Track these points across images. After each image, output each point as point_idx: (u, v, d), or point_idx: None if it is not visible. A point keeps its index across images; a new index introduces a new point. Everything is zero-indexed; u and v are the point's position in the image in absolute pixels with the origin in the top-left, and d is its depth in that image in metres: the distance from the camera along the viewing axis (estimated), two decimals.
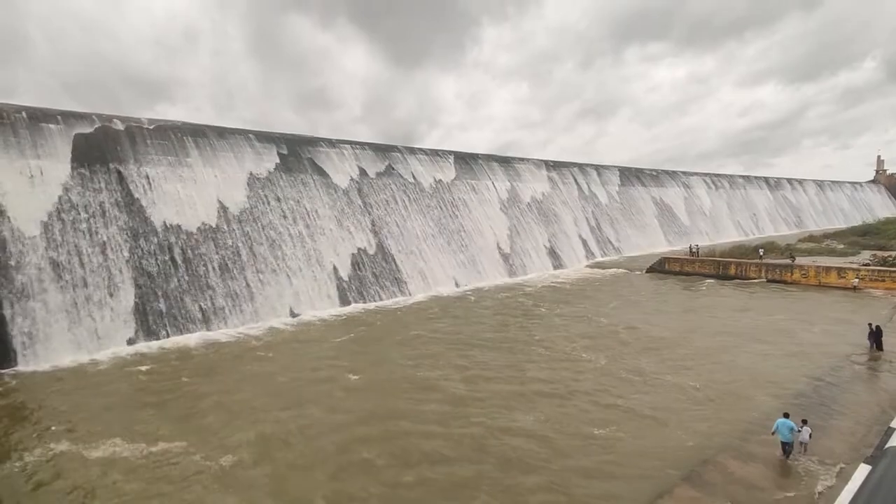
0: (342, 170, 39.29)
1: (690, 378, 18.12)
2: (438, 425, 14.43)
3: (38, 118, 26.54)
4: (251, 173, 33.45)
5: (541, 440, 13.47)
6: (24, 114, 26.29)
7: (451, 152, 50.47)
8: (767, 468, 12.14)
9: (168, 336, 24.78)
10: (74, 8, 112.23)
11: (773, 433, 12.64)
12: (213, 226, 29.70)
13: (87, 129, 28.04)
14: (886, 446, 8.69)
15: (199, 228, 28.98)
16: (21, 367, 20.75)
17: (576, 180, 63.38)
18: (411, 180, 43.82)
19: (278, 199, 33.75)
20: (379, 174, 41.73)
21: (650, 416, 14.98)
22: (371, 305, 32.80)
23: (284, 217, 33.24)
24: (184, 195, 29.47)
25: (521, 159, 59.24)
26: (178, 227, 28.27)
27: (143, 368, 20.33)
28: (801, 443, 12.58)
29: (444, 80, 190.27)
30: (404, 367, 19.96)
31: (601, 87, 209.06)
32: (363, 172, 40.63)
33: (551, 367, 19.56)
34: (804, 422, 12.85)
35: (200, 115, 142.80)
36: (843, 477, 10.97)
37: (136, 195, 27.67)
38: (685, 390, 17.03)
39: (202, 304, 26.78)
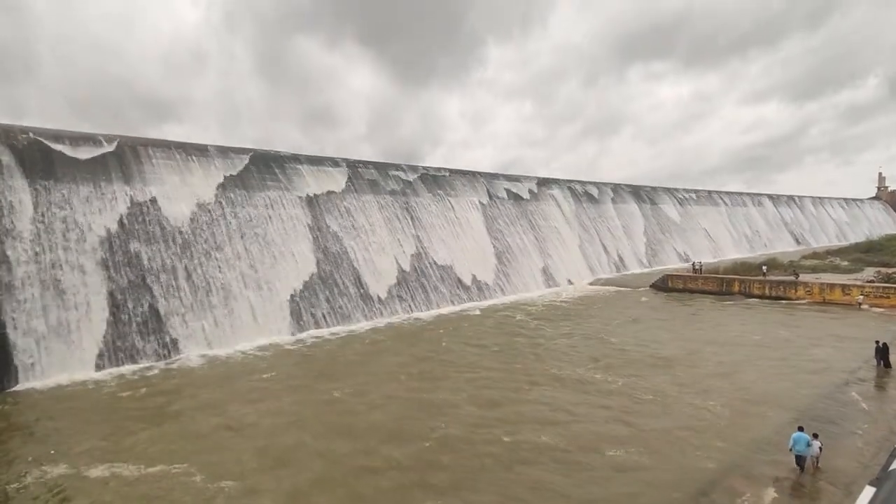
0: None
1: (705, 397, 17.92)
2: (454, 450, 14.16)
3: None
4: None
5: (560, 465, 13.22)
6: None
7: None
8: (778, 490, 11.98)
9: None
10: (85, 28, 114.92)
11: (790, 449, 12.79)
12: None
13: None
14: (891, 468, 8.60)
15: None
16: (19, 387, 20.76)
17: (574, 195, 63.75)
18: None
19: None
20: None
21: (669, 438, 14.77)
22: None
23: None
24: None
25: (525, 177, 59.78)
26: None
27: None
28: (812, 457, 12.73)
29: (448, 99, 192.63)
30: (412, 388, 19.83)
31: (604, 105, 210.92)
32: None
33: (568, 389, 19.19)
34: (815, 436, 12.96)
35: (207, 134, 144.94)
36: (851, 499, 10.80)
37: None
38: (702, 410, 16.78)
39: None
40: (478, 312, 37.00)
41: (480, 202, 50.83)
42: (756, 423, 15.77)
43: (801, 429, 13.02)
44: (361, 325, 32.30)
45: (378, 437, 15.07)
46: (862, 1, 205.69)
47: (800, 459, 12.67)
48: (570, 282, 51.52)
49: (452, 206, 47.41)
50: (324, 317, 31.69)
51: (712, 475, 12.57)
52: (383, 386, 20.00)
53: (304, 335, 29.46)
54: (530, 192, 58.16)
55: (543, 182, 61.72)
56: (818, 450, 12.72)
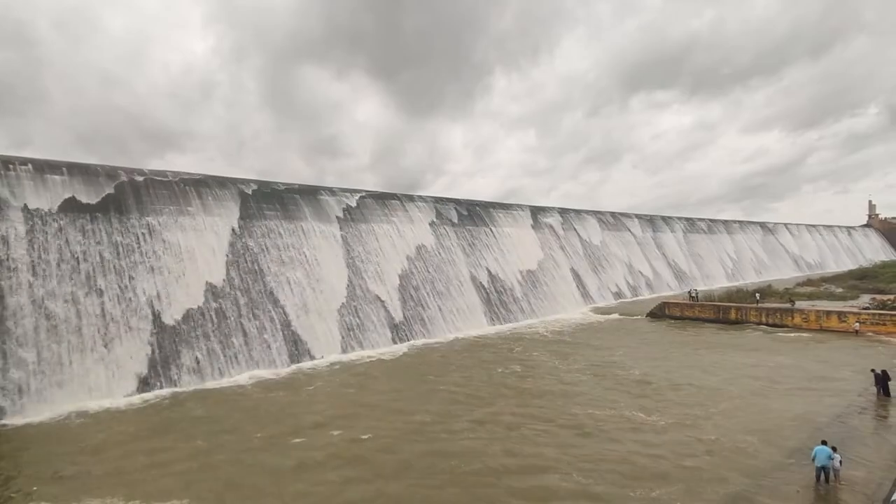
0: None
1: (751, 432, 17.33)
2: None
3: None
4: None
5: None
6: None
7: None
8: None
9: None
10: (93, 61, 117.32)
11: (812, 459, 13.50)
12: None
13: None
14: (894, 497, 8.50)
15: None
16: (9, 420, 20.22)
17: (574, 227, 64.37)
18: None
19: None
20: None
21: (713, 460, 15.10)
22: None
23: None
24: None
25: (518, 207, 60.44)
26: None
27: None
28: (833, 470, 13.34)
29: (453, 129, 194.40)
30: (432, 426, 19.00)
31: (607, 134, 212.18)
32: None
33: (613, 428, 18.02)
34: (834, 449, 13.52)
35: (213, 165, 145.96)
36: None
37: None
38: (737, 444, 16.37)
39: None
40: (455, 347, 36.59)
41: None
42: (774, 449, 15.86)
43: (824, 442, 13.69)
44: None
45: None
46: (864, 30, 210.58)
47: (820, 472, 13.32)
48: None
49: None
50: None
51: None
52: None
53: None
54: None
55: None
56: (839, 464, 13.35)
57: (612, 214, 74.19)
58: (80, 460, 15.80)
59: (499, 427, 18.24)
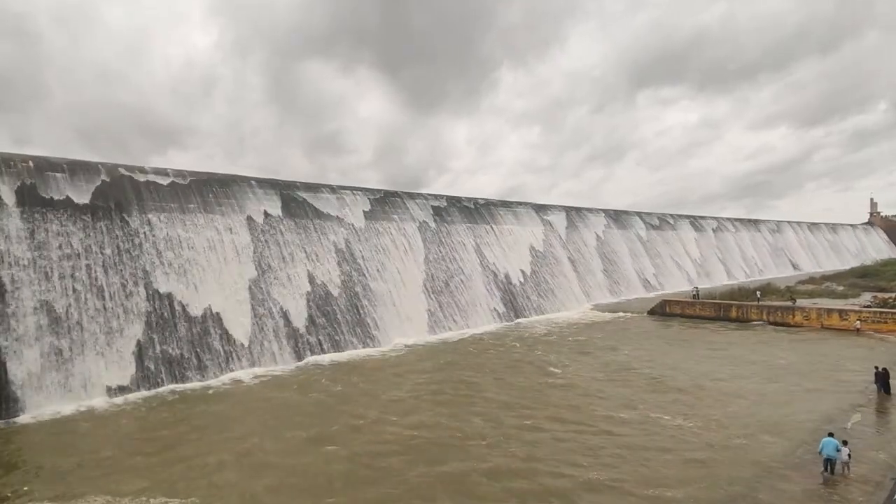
0: None
1: (764, 429, 17.54)
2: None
3: None
4: None
5: None
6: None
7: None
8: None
9: None
10: (95, 59, 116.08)
11: (819, 452, 14.00)
12: None
13: None
14: None
15: None
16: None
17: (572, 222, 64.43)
18: None
19: None
20: None
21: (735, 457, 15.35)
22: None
23: None
24: None
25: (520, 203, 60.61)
26: None
27: None
28: (842, 462, 13.76)
29: (456, 126, 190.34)
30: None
31: (611, 131, 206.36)
32: None
33: (638, 432, 17.68)
34: (844, 442, 13.96)
35: (213, 162, 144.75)
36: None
37: None
38: (761, 443, 16.42)
39: None
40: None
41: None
42: (784, 444, 16.18)
43: (830, 434, 14.17)
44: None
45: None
46: (875, 24, 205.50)
47: (827, 462, 13.82)
48: None
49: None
50: None
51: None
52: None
53: None
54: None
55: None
56: (847, 456, 13.74)
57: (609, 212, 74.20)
58: None
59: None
